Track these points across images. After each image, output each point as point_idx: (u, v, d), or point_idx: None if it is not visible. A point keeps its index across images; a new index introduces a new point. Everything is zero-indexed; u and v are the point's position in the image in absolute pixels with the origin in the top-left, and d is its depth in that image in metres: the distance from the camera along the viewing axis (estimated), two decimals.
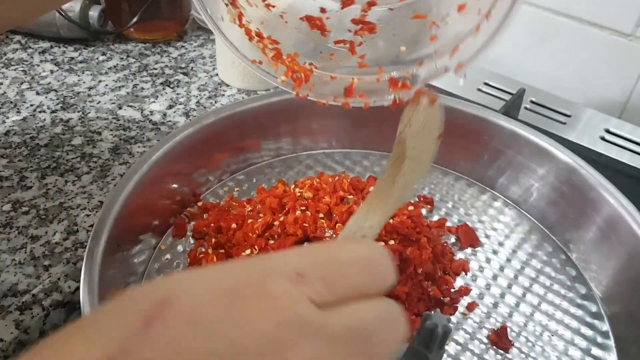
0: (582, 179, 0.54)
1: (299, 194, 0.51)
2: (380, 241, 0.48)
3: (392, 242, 0.48)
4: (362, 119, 0.63)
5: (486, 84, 0.88)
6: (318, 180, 0.55)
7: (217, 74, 0.73)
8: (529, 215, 0.59)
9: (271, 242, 0.47)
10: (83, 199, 0.55)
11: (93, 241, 0.44)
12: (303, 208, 0.49)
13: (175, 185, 0.55)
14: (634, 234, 0.49)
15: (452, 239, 0.56)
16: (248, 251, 0.47)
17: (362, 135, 0.64)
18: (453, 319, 0.48)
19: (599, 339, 0.48)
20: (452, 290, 0.50)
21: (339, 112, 0.64)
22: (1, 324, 0.45)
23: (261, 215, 0.49)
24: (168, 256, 0.51)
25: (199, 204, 0.56)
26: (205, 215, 0.54)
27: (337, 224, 0.48)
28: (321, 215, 0.49)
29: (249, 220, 0.49)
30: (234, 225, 0.49)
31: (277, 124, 0.62)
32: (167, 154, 0.53)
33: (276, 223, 0.48)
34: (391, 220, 0.49)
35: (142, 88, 0.70)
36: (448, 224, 0.57)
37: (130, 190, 0.49)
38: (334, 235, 0.47)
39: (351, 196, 0.52)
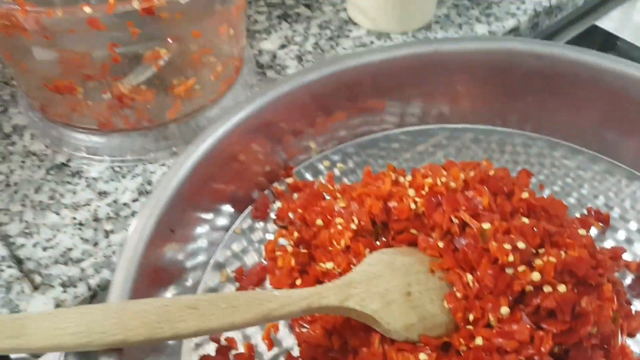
0: None
1: (412, 195, 0.36)
2: (547, 285, 0.32)
3: (562, 287, 0.32)
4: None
5: None
6: (445, 172, 0.39)
7: (345, 9, 0.59)
8: None
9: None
10: None
11: (139, 222, 0.35)
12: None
13: (264, 151, 0.44)
14: None
15: (629, 280, 0.39)
16: (330, 264, 0.35)
17: (522, 110, 0.48)
18: None
19: None
20: None
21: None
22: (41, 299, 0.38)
23: (354, 219, 0.36)
24: (243, 243, 0.41)
25: (289, 180, 0.44)
26: (295, 196, 0.43)
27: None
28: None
29: (338, 220, 0.36)
30: (319, 222, 0.37)
31: (409, 82, 0.47)
32: (263, 108, 0.43)
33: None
34: (563, 254, 0.33)
35: (256, 20, 0.59)
36: (626, 255, 0.40)
37: (208, 148, 0.39)
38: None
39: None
